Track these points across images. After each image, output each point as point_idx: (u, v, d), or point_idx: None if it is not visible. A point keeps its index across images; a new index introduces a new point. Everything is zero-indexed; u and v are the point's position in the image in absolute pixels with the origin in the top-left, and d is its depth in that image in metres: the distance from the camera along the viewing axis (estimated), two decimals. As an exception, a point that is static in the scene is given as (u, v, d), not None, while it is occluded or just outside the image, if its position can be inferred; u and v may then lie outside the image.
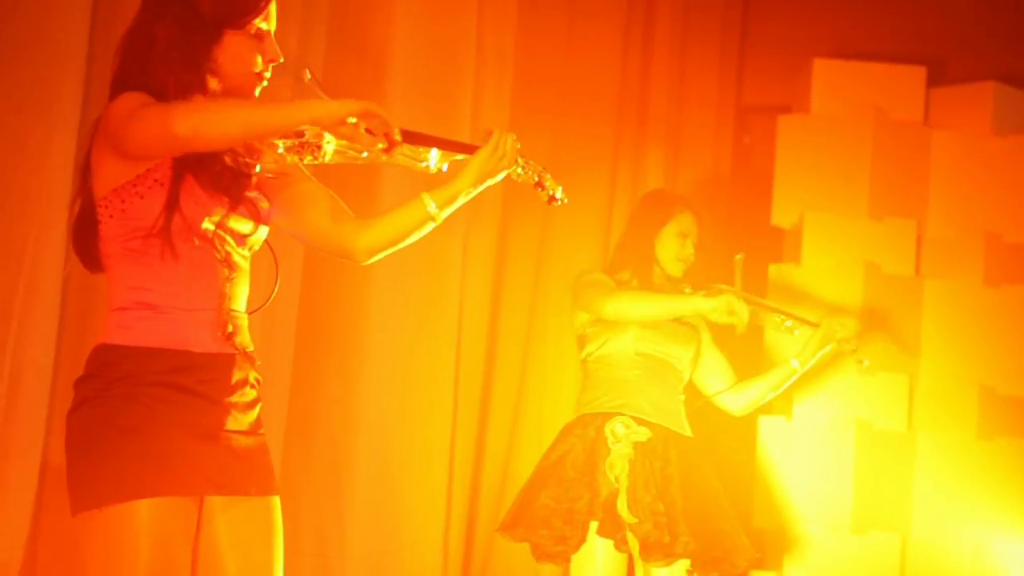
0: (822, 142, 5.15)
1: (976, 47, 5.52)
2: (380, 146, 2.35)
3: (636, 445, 3.68)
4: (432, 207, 2.52)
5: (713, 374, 4.05)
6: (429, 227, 2.56)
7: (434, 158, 2.52)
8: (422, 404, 4.41)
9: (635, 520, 3.61)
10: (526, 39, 4.83)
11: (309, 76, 2.46)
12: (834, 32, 5.60)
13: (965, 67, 5.43)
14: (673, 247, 3.95)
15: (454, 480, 4.51)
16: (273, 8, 2.47)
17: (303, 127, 2.33)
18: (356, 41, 4.18)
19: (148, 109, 2.31)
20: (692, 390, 4.03)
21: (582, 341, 3.94)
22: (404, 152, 2.47)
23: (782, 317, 4.10)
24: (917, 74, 5.26)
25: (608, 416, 3.72)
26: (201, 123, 2.28)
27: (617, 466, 3.64)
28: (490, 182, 2.56)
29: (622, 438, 3.66)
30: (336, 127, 2.32)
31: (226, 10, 2.42)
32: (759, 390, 4.07)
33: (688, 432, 3.87)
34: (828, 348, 4.02)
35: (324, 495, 4.08)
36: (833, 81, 5.23)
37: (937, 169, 5.20)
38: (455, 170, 2.54)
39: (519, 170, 2.58)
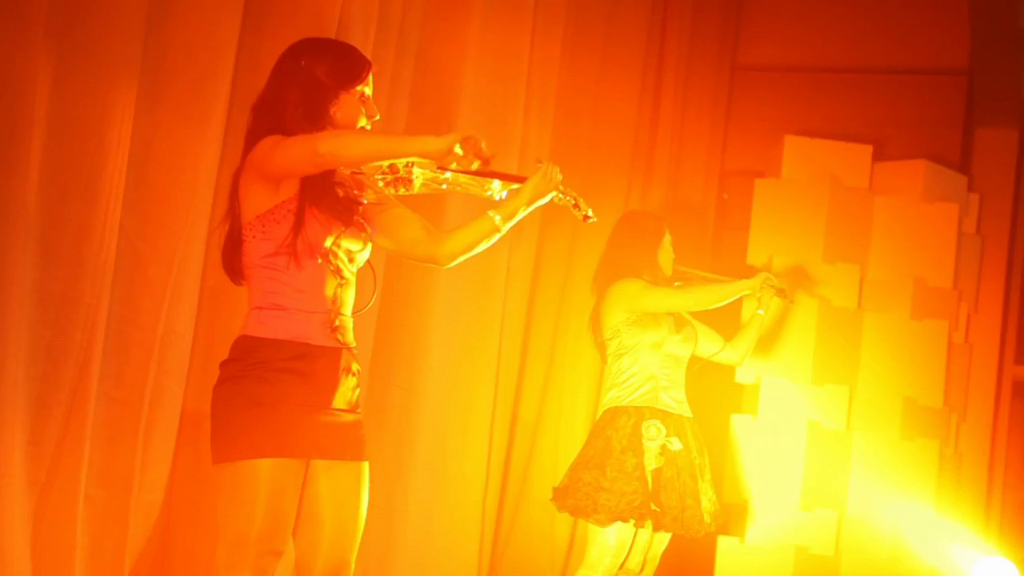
0: (789, 201, 5.13)
1: (911, 133, 5.51)
2: (476, 165, 2.34)
3: (666, 451, 3.62)
4: (497, 219, 2.51)
5: (706, 342, 3.95)
6: (496, 237, 2.55)
7: (496, 188, 2.51)
8: (470, 393, 4.39)
9: (659, 510, 3.57)
10: (562, 107, 4.82)
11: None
12: (801, 115, 5.57)
13: (902, 147, 5.41)
14: (669, 254, 3.93)
15: (492, 452, 4.50)
16: (371, 78, 2.50)
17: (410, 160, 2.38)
18: (433, 92, 4.11)
19: (294, 138, 2.35)
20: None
21: (614, 339, 3.78)
22: (474, 182, 2.48)
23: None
24: (864, 151, 5.25)
25: (641, 410, 3.64)
26: (338, 145, 2.32)
27: (654, 460, 3.60)
28: (540, 202, 2.54)
29: (655, 438, 3.61)
30: (443, 157, 2.33)
31: (338, 77, 2.44)
32: (747, 340, 4.03)
33: (691, 415, 3.81)
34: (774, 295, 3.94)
35: (392, 462, 4.03)
36: (799, 153, 5.22)
37: (877, 226, 5.18)
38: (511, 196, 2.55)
39: (560, 195, 2.57)
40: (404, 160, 2.42)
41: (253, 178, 2.41)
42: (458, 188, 2.50)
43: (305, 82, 2.45)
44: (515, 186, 2.53)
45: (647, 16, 5.29)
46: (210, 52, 3.20)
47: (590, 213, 2.68)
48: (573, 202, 2.64)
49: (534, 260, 4.78)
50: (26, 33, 2.69)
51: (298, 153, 2.32)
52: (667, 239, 3.94)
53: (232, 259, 2.48)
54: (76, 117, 2.89)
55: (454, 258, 2.60)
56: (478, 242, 2.56)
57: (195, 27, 3.17)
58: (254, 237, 2.41)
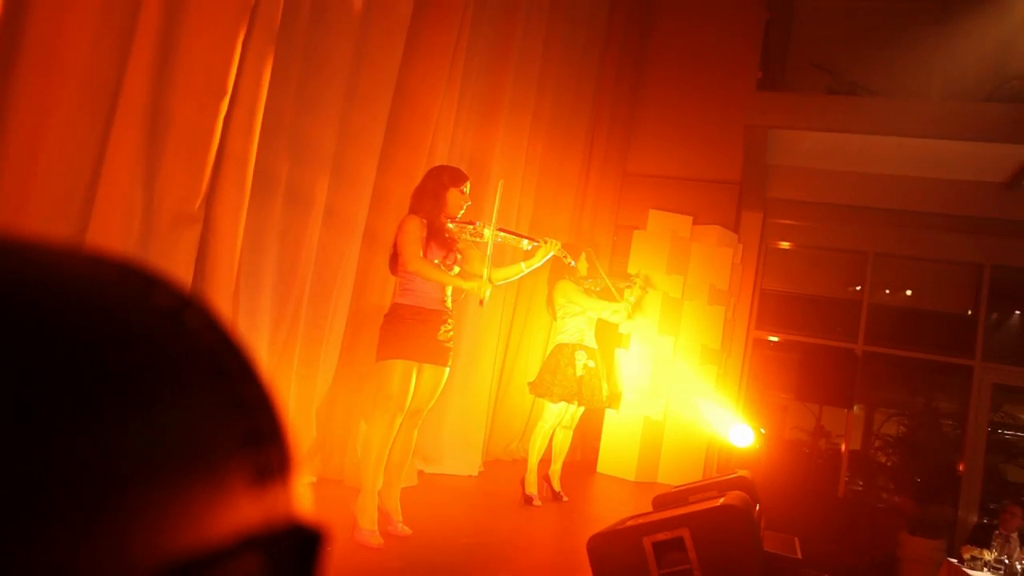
0: (650, 243, 5.18)
1: (712, 211, 5.57)
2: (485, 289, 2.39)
3: (586, 367, 3.55)
4: (523, 267, 2.60)
5: (604, 311, 3.76)
6: (521, 275, 2.62)
7: (525, 244, 2.56)
8: (486, 334, 4.27)
9: (582, 396, 3.51)
10: (540, 188, 4.68)
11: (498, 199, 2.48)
12: (657, 199, 5.62)
13: (707, 219, 5.48)
14: (584, 265, 3.75)
15: (495, 363, 4.40)
16: (468, 184, 2.55)
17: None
18: (475, 176, 3.83)
19: (413, 252, 2.40)
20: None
21: (560, 309, 3.63)
22: (515, 240, 2.53)
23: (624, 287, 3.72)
24: (688, 220, 5.31)
25: (575, 345, 3.58)
26: (417, 271, 2.41)
27: (580, 370, 3.52)
28: (546, 258, 2.63)
29: (582, 359, 3.54)
30: (474, 291, 2.42)
31: (452, 180, 2.52)
32: (622, 315, 3.65)
33: (597, 347, 3.71)
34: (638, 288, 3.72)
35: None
36: (657, 219, 5.27)
37: (693, 258, 5.23)
38: (532, 251, 2.60)
39: (559, 253, 2.65)
40: (485, 226, 2.46)
41: (398, 237, 2.50)
42: (506, 242, 2.55)
43: (435, 180, 2.54)
44: (536, 243, 2.59)
45: (582, 142, 5.29)
46: (363, 157, 3.16)
47: (573, 263, 2.91)
48: (564, 255, 2.77)
49: (518, 284, 4.58)
50: (279, 136, 2.78)
51: (404, 256, 2.41)
52: (582, 256, 3.82)
53: (393, 265, 2.57)
54: (305, 183, 2.94)
55: (497, 283, 2.64)
56: (512, 276, 2.63)
57: (360, 148, 3.14)
58: (402, 255, 2.49)
